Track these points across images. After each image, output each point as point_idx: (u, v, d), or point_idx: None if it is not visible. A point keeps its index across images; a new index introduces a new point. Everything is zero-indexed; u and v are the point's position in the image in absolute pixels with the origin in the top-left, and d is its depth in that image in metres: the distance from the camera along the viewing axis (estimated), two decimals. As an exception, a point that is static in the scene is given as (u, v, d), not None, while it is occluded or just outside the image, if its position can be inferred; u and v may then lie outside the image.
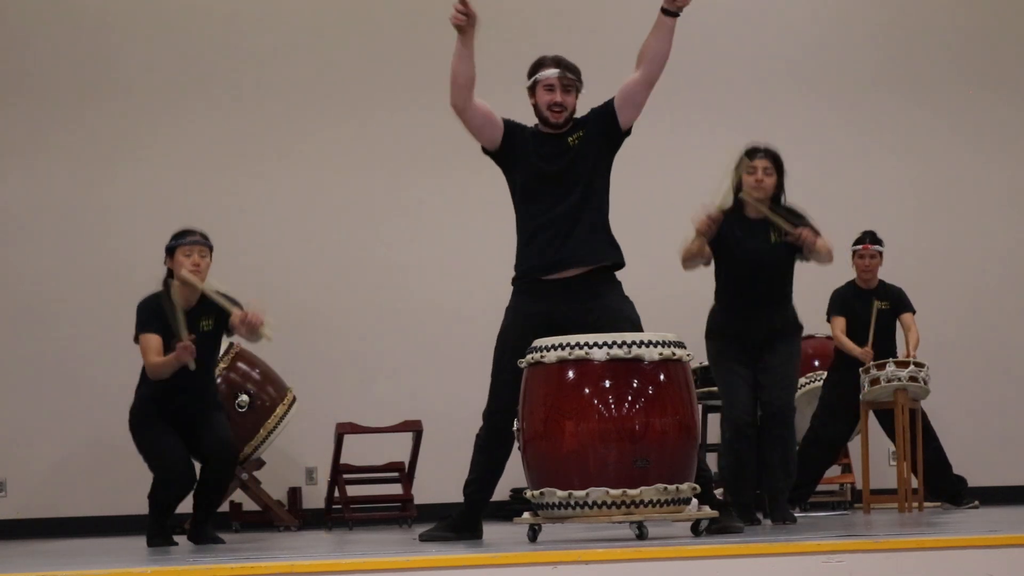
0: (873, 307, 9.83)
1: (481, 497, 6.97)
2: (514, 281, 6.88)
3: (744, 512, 7.56)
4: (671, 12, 6.64)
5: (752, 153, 7.80)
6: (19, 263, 10.83)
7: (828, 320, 9.98)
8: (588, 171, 6.76)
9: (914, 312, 10.05)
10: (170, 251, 7.80)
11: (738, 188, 7.80)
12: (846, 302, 9.97)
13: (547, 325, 6.53)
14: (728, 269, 7.82)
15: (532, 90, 6.80)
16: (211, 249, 7.84)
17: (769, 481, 7.81)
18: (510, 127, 6.82)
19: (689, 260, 7.80)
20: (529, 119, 6.90)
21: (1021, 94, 11.89)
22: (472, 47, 6.66)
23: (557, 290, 6.69)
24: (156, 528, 7.81)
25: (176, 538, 7.89)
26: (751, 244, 7.74)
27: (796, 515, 9.57)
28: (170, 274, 7.83)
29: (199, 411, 7.85)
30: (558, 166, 6.74)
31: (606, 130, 6.78)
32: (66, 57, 11.01)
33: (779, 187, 7.80)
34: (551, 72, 6.73)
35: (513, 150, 6.79)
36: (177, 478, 7.75)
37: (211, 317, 7.80)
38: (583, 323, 6.51)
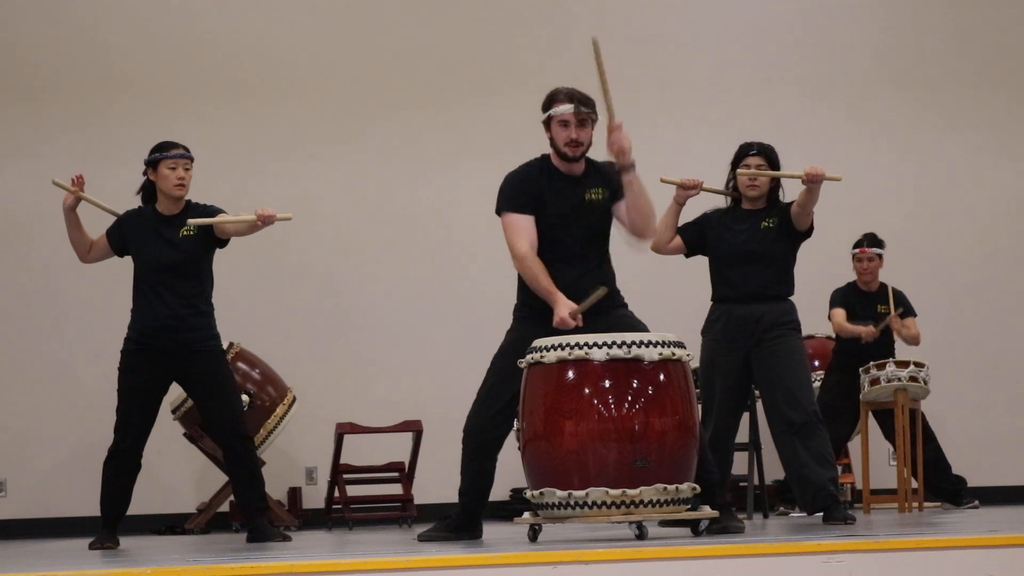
0: (882, 319, 9.84)
1: (477, 503, 6.97)
2: (517, 309, 6.87)
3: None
4: (626, 168, 6.63)
5: (745, 150, 7.67)
6: (20, 263, 10.85)
7: (829, 317, 9.98)
8: (601, 221, 6.77)
9: (915, 316, 10.05)
10: (153, 164, 7.69)
11: (734, 187, 7.71)
12: (846, 300, 9.98)
13: None
14: (719, 260, 7.63)
15: (547, 124, 6.75)
16: (192, 161, 7.73)
17: (811, 484, 7.40)
18: (527, 192, 6.74)
19: (661, 235, 7.57)
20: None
21: (1021, 93, 11.89)
22: None
23: None
24: (103, 519, 7.65)
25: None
26: (743, 233, 7.58)
27: (795, 515, 9.60)
28: (151, 185, 7.72)
29: (204, 372, 7.67)
30: (575, 218, 6.71)
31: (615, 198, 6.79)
32: (70, 57, 11.01)
33: (775, 182, 7.68)
34: (565, 108, 6.68)
35: (534, 202, 6.73)
36: (118, 445, 7.57)
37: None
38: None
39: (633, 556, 5.19)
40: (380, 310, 11.11)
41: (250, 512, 7.77)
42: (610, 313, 6.69)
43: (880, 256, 10.05)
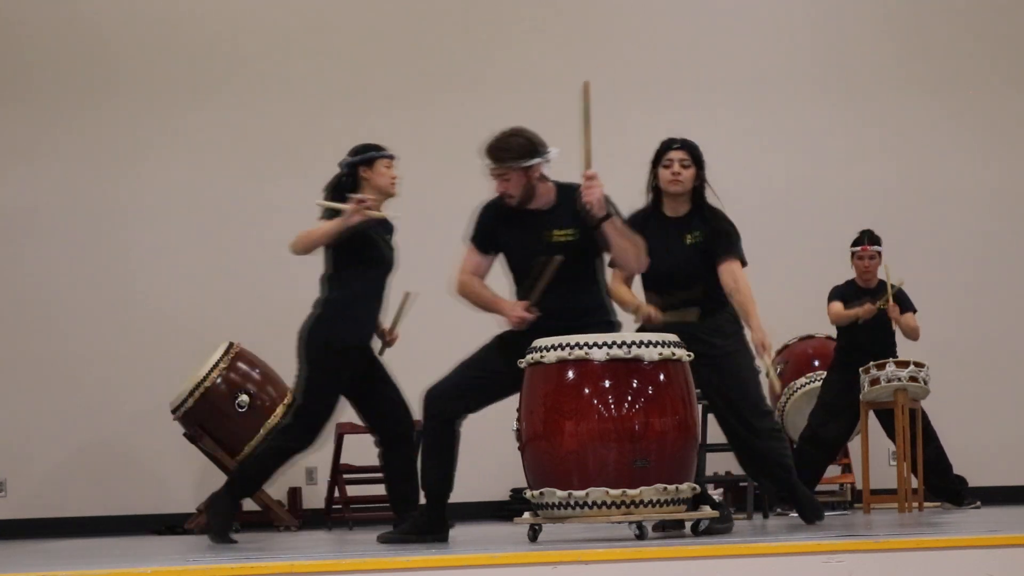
0: (886, 295, 9.81)
1: (443, 499, 6.80)
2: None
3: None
4: (600, 220, 6.45)
5: (668, 144, 7.23)
6: (21, 263, 10.85)
7: (827, 311, 9.95)
8: (575, 259, 6.60)
9: (915, 311, 10.03)
10: (368, 161, 7.59)
11: (656, 186, 7.25)
12: (845, 296, 9.96)
13: None
14: (644, 276, 7.13)
15: None
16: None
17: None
18: (484, 230, 6.76)
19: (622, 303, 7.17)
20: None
21: (1020, 92, 11.89)
22: None
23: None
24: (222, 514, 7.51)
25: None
26: (665, 252, 7.03)
27: (795, 515, 9.59)
28: (350, 182, 7.59)
29: (375, 364, 7.83)
30: (540, 255, 6.60)
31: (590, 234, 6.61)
32: (69, 57, 11.02)
33: (699, 179, 7.18)
34: (487, 165, 6.63)
35: (490, 241, 6.76)
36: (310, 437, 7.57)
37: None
38: None
39: (633, 556, 5.19)
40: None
41: (405, 507, 7.64)
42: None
43: (879, 254, 10.04)
